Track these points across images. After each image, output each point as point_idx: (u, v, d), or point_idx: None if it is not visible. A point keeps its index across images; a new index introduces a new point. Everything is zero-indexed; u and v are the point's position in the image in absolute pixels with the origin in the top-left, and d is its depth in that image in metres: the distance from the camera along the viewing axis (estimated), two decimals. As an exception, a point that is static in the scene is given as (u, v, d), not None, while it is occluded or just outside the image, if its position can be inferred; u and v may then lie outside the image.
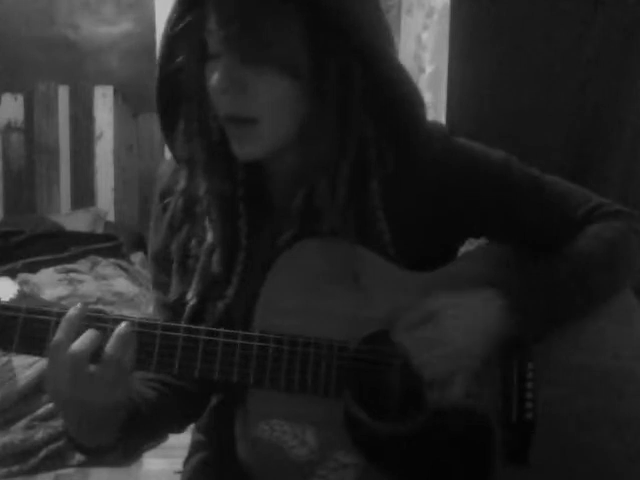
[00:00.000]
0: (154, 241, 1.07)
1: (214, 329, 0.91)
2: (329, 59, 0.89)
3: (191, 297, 0.99)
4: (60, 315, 0.87)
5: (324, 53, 0.89)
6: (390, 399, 0.96)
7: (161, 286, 1.06)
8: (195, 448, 1.16)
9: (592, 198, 1.02)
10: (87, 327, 0.86)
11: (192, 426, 1.19)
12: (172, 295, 1.01)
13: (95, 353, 0.85)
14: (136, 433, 0.97)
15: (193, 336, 0.90)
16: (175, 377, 1.01)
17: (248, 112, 0.90)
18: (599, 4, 1.72)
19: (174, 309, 1.02)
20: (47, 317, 0.88)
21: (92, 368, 0.85)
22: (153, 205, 1.08)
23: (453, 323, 0.91)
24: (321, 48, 0.89)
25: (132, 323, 0.88)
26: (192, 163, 0.99)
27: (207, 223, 0.98)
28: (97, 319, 0.88)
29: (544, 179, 1.02)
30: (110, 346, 0.85)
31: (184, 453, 1.18)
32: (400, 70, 0.94)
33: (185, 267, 1.01)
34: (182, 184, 1.00)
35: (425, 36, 2.33)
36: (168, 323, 0.91)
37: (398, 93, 0.94)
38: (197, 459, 1.14)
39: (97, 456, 0.95)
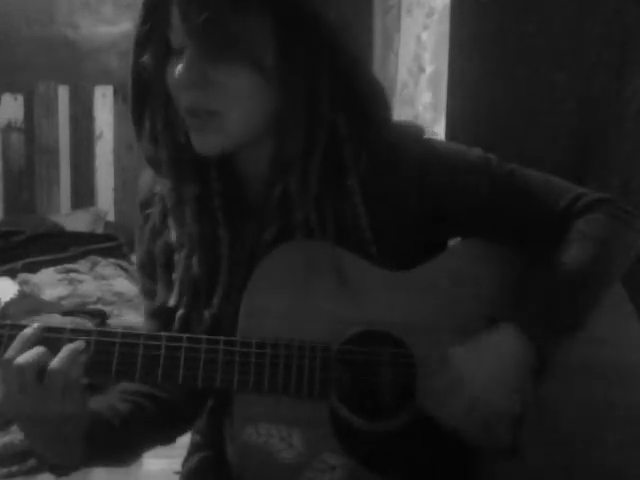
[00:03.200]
0: (138, 250, 1.08)
1: (196, 336, 0.91)
2: (295, 54, 0.89)
3: (174, 304, 0.99)
4: (13, 328, 0.88)
5: (290, 48, 0.89)
6: (375, 398, 0.96)
7: (149, 294, 1.06)
8: (194, 449, 1.16)
9: (571, 189, 1.01)
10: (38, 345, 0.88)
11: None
12: (158, 300, 1.01)
13: (44, 369, 0.86)
14: (106, 447, 0.97)
15: (175, 344, 0.90)
16: (159, 387, 1.01)
17: (210, 105, 0.90)
18: (599, 4, 1.72)
19: (161, 317, 1.02)
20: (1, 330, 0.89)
21: (40, 382, 0.85)
22: (135, 215, 1.08)
23: (471, 374, 0.90)
24: (287, 43, 0.89)
25: (99, 335, 0.89)
26: (158, 164, 0.98)
27: (173, 224, 0.99)
28: (51, 339, 0.88)
29: (523, 173, 1.01)
30: (57, 360, 0.86)
31: (184, 453, 1.18)
32: (364, 70, 0.96)
33: (169, 270, 1.01)
34: (160, 189, 1.01)
35: (425, 36, 2.33)
36: (151, 333, 0.92)
37: (363, 91, 0.95)
38: (196, 459, 1.14)
39: (64, 471, 0.96)
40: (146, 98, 0.96)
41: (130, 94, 0.98)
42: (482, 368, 0.90)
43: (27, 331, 0.88)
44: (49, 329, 0.89)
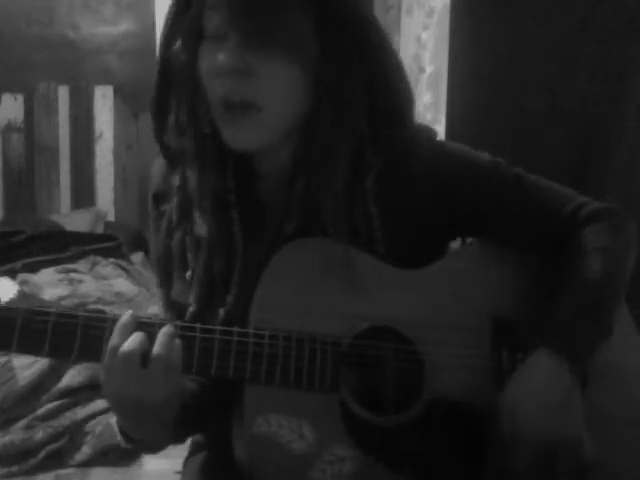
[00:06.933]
0: (154, 242, 1.08)
1: (209, 327, 0.92)
2: (336, 52, 0.90)
3: (192, 303, 1.00)
4: (114, 321, 0.89)
5: (332, 45, 0.89)
6: (385, 392, 0.97)
7: (166, 285, 1.07)
8: (195, 448, 1.16)
9: (575, 197, 1.04)
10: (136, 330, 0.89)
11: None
12: (174, 293, 1.02)
13: (145, 355, 0.88)
14: (186, 425, 1.00)
15: (189, 334, 0.91)
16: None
17: (253, 97, 0.89)
18: (599, 3, 1.72)
19: (176, 309, 1.03)
20: (103, 324, 0.90)
21: (143, 368, 0.87)
22: (149, 206, 1.08)
23: (530, 415, 0.90)
24: (329, 40, 0.89)
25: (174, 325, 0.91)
26: (184, 157, 0.99)
27: (199, 220, 0.99)
28: (146, 324, 0.90)
29: (529, 179, 1.04)
30: (157, 345, 0.88)
31: (184, 453, 1.18)
32: (399, 67, 0.96)
33: (185, 262, 1.01)
34: (177, 182, 1.01)
35: (425, 36, 2.33)
36: (165, 321, 0.93)
37: (398, 96, 0.96)
38: (197, 459, 1.14)
39: (152, 450, 0.99)
40: (171, 89, 0.96)
41: (155, 86, 0.97)
42: (536, 399, 0.90)
43: (125, 318, 0.89)
44: (141, 318, 0.91)
